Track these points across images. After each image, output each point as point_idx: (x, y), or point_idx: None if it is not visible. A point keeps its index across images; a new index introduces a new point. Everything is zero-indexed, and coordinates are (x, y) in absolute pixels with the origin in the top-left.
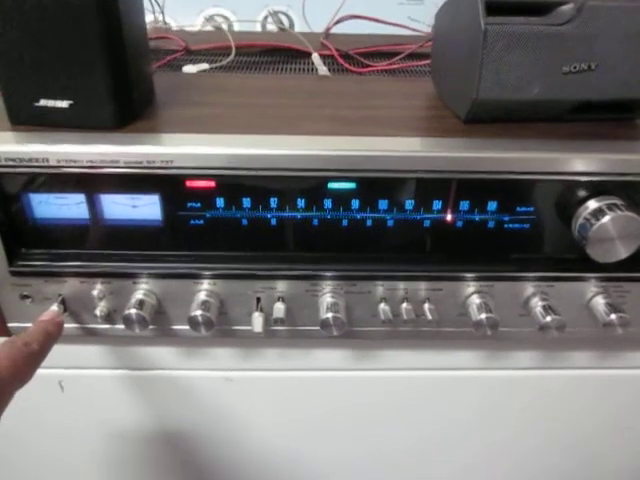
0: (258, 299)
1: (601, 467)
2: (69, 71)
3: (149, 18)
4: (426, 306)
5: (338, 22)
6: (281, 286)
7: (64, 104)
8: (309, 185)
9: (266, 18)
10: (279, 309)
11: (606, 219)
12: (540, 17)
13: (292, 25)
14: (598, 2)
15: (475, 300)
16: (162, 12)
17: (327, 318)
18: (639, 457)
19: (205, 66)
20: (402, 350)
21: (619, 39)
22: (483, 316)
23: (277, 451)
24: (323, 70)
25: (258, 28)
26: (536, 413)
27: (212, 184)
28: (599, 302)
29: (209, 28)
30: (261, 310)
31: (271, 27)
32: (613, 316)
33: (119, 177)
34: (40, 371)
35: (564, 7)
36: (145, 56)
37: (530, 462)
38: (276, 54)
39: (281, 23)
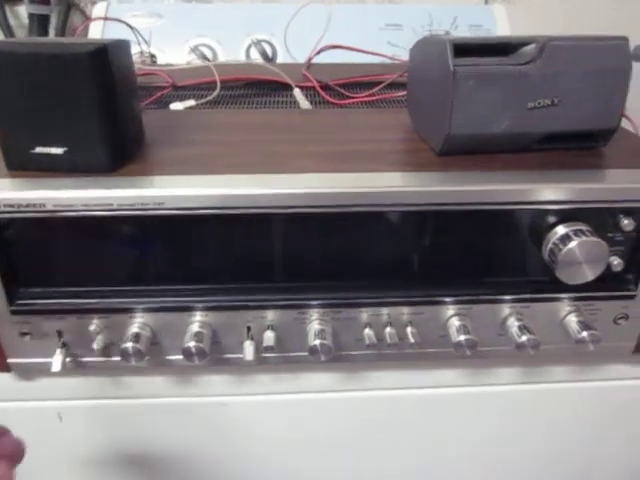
0: (249, 328)
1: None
2: (64, 120)
3: (135, 49)
4: (408, 329)
5: (319, 52)
6: (271, 315)
7: (59, 151)
8: (296, 221)
9: (249, 47)
10: (269, 337)
11: (573, 244)
12: (505, 57)
13: (275, 54)
14: (558, 42)
15: (455, 322)
16: (148, 45)
17: (315, 345)
18: (621, 467)
19: (191, 103)
20: (388, 371)
21: (579, 76)
22: (462, 338)
23: (274, 472)
24: (305, 104)
25: (243, 56)
26: (519, 426)
27: (203, 223)
28: (571, 320)
29: (194, 57)
30: (252, 338)
31: (256, 55)
32: (585, 333)
33: (113, 219)
34: (38, 404)
35: (527, 47)
36: (135, 98)
37: (515, 475)
38: (260, 87)
39: (264, 52)
